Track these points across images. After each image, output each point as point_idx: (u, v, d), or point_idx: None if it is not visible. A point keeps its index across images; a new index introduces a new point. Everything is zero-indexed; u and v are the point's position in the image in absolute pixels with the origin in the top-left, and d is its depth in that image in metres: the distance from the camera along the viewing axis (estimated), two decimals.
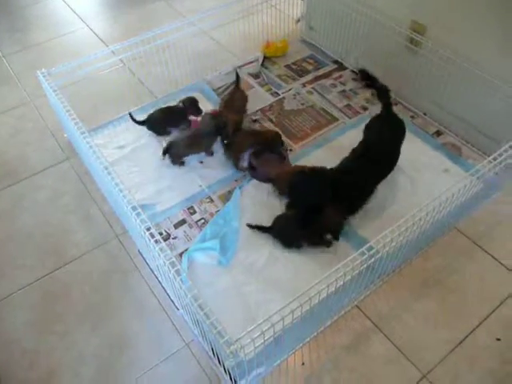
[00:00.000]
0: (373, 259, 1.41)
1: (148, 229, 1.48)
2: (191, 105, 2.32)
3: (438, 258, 1.86)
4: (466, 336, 1.64)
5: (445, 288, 1.77)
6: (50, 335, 1.69)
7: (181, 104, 2.32)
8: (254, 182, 2.14)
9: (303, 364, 1.58)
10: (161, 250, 1.42)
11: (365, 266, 1.41)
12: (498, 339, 1.63)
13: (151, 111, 2.34)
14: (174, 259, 1.40)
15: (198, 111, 2.32)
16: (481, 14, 1.98)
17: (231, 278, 1.78)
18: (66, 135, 2.39)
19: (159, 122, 2.32)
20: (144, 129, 2.38)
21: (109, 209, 2.06)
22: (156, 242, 1.45)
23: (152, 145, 2.32)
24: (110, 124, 2.42)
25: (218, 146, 2.27)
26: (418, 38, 2.22)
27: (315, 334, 1.62)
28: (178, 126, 2.35)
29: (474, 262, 1.85)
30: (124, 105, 2.47)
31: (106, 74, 2.31)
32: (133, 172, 2.16)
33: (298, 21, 2.96)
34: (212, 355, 1.56)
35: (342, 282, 1.37)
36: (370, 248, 1.40)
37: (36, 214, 2.08)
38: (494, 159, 1.66)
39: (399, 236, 1.47)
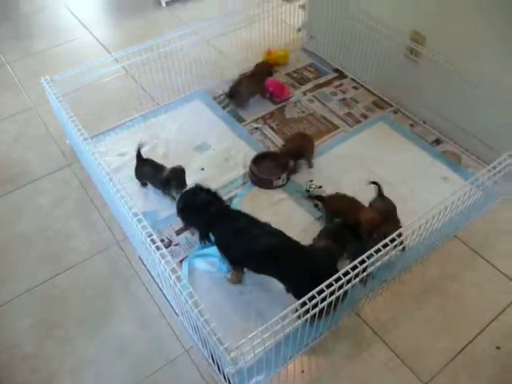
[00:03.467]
0: (366, 272, 1.40)
1: (149, 235, 1.49)
2: (176, 178, 2.03)
3: (438, 266, 1.86)
4: (467, 344, 1.64)
5: (445, 296, 1.77)
6: (50, 340, 1.69)
7: (165, 174, 2.04)
8: (255, 188, 2.15)
9: (303, 372, 1.58)
10: (162, 256, 1.43)
11: (359, 278, 1.40)
12: (498, 348, 1.63)
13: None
14: (174, 266, 1.41)
15: (182, 186, 2.02)
16: (480, 26, 1.99)
17: (232, 285, 1.78)
18: (68, 142, 2.41)
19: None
20: (145, 137, 2.40)
21: (110, 215, 2.07)
22: (157, 248, 1.45)
23: (153, 152, 2.32)
24: (111, 131, 2.44)
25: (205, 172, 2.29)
26: (417, 48, 2.24)
27: (315, 341, 1.62)
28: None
29: (474, 270, 1.86)
30: (126, 112, 2.49)
31: (108, 81, 2.33)
32: (134, 179, 2.17)
33: (299, 30, 2.99)
34: (212, 362, 1.56)
35: (342, 291, 1.37)
36: (364, 260, 1.39)
37: (37, 220, 2.08)
38: (494, 168, 1.67)
39: (398, 244, 1.47)
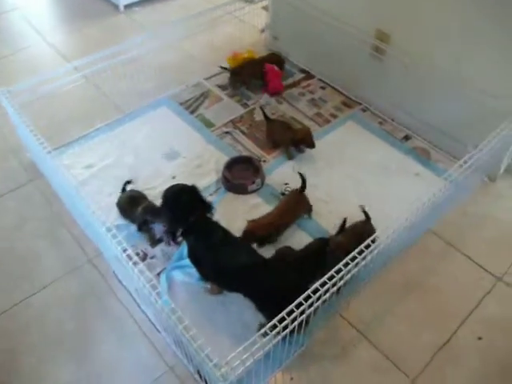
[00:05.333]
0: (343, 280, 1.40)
1: (125, 250, 1.43)
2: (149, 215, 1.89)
3: (415, 261, 1.88)
4: (449, 337, 1.66)
5: (425, 290, 1.80)
6: (22, 367, 1.59)
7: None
8: (229, 194, 2.11)
9: (292, 379, 1.55)
10: (140, 272, 1.37)
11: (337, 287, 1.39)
12: (480, 338, 1.66)
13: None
14: (154, 281, 1.35)
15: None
16: (442, 22, 2.04)
17: (213, 296, 1.74)
18: (29, 155, 2.28)
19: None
20: (111, 146, 2.32)
21: (79, 231, 1.97)
22: (134, 263, 1.39)
23: (121, 163, 2.25)
24: (75, 143, 2.33)
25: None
26: (382, 46, 2.27)
27: (302, 348, 1.60)
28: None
29: (450, 262, 1.89)
30: (90, 122, 2.39)
31: (69, 91, 2.21)
32: (104, 192, 2.08)
33: (263, 31, 2.97)
34: (198, 378, 1.51)
35: (326, 296, 1.36)
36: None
37: (1, 241, 1.96)
38: (465, 162, 1.70)
39: (380, 244, 1.47)
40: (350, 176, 2.19)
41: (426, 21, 2.09)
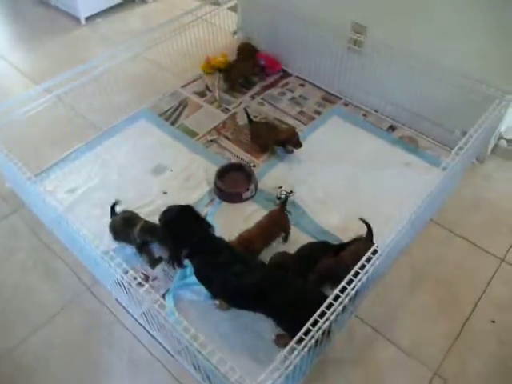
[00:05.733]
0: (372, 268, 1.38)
1: (126, 272, 1.36)
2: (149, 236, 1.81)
3: (420, 253, 1.88)
4: (464, 324, 1.67)
5: (433, 281, 1.80)
6: None
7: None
8: (224, 204, 2.06)
9: None
10: (154, 300, 1.30)
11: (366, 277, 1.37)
12: (493, 321, 1.67)
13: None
14: (170, 307, 1.29)
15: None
16: (417, 7, 2.03)
17: (223, 312, 1.69)
18: (8, 185, 2.15)
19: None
20: (94, 167, 2.22)
21: (73, 259, 1.87)
22: (145, 290, 1.32)
23: (106, 183, 2.15)
24: (55, 166, 2.21)
25: None
26: (360, 38, 2.26)
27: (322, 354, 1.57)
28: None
29: (454, 249, 1.90)
30: (68, 143, 2.28)
31: (41, 113, 2.08)
32: (92, 215, 1.99)
33: (235, 33, 2.91)
34: None
35: (346, 301, 1.32)
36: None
37: None
38: (460, 149, 1.70)
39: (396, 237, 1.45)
40: (343, 172, 2.17)
41: (403, 9, 2.08)
